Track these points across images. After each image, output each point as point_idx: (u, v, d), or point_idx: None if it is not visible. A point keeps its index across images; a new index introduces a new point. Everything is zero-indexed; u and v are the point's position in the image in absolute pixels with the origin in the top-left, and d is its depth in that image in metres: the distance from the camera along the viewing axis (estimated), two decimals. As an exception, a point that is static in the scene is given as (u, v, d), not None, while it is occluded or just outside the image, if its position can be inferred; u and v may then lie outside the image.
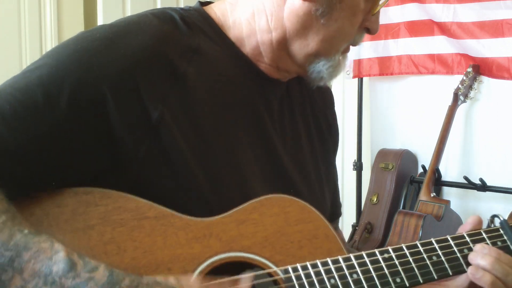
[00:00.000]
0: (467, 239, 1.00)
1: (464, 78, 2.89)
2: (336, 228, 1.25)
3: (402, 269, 0.92)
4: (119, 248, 0.83)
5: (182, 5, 3.16)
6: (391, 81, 3.32)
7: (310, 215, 0.96)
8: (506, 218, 1.04)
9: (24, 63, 2.72)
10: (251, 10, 1.01)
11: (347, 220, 3.31)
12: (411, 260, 0.94)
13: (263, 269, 0.89)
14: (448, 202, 2.82)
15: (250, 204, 0.93)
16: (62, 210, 0.84)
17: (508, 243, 1.01)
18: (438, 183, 2.94)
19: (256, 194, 0.95)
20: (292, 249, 0.92)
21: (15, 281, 0.74)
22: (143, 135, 0.88)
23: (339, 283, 0.88)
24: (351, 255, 0.92)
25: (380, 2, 1.01)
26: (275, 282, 0.88)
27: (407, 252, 0.95)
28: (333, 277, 0.88)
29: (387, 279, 0.91)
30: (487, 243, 1.00)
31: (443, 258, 0.96)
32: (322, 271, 0.88)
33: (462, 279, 0.97)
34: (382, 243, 2.92)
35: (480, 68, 2.90)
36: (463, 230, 1.03)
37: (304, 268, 0.88)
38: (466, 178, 2.85)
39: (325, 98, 1.21)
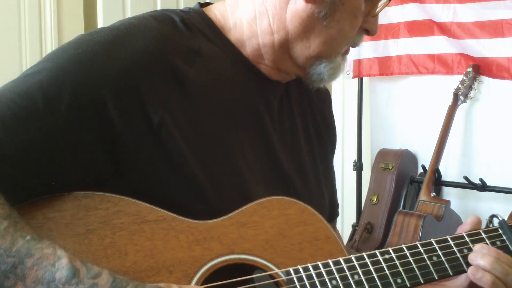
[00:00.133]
0: (467, 239, 1.00)
1: (464, 78, 2.89)
2: (334, 228, 1.25)
3: (403, 270, 0.93)
4: (120, 252, 0.83)
5: (182, 5, 3.17)
6: (391, 81, 3.31)
7: (310, 217, 0.96)
8: (506, 218, 1.05)
9: (24, 63, 2.71)
10: (252, 12, 1.01)
11: (347, 220, 3.32)
12: (411, 260, 0.94)
13: (264, 271, 0.89)
14: (448, 202, 2.82)
15: (251, 206, 0.94)
16: (62, 215, 0.83)
17: (507, 243, 1.01)
18: (438, 183, 2.94)
19: (256, 194, 0.96)
20: (293, 251, 0.92)
21: None
22: (144, 138, 0.88)
23: (340, 284, 0.88)
24: (352, 256, 0.92)
25: (380, 4, 1.01)
26: (277, 284, 0.88)
27: (407, 252, 0.95)
28: (335, 278, 0.88)
29: (388, 279, 0.91)
30: (486, 243, 1.00)
31: (443, 259, 0.96)
32: (324, 273, 0.89)
33: (462, 279, 0.98)
34: (382, 243, 2.92)
35: (480, 68, 2.90)
36: (462, 230, 1.03)
37: (306, 269, 0.88)
38: (466, 178, 2.85)
39: (323, 99, 1.21)
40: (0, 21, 2.63)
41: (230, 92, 0.99)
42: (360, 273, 0.90)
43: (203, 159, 0.92)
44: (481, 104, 2.99)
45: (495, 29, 2.83)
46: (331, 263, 0.90)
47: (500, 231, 1.03)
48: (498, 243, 1.01)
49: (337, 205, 1.26)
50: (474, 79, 2.89)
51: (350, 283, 0.89)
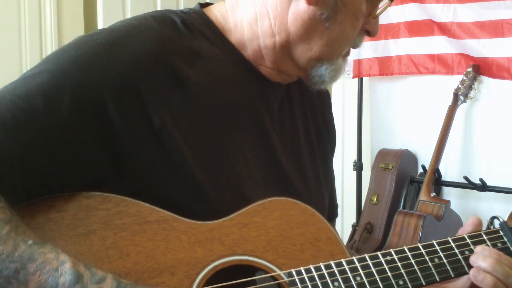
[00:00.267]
0: (468, 240, 1.00)
1: (464, 78, 2.89)
2: (333, 228, 1.25)
3: (405, 272, 0.93)
4: (121, 253, 0.83)
5: (182, 5, 3.17)
6: (391, 81, 3.31)
7: (312, 218, 0.96)
8: (505, 218, 1.04)
9: (24, 63, 2.71)
10: (253, 13, 1.01)
11: (347, 220, 3.32)
12: (413, 262, 0.94)
13: (266, 272, 0.89)
14: (448, 202, 2.82)
15: (252, 207, 0.94)
16: (63, 215, 0.83)
17: (508, 244, 1.01)
18: (438, 183, 2.94)
19: (256, 195, 0.96)
20: (295, 252, 0.92)
21: None
22: (145, 139, 0.88)
23: (342, 286, 0.88)
24: (354, 258, 0.92)
25: (380, 5, 1.01)
26: (279, 285, 0.88)
27: (409, 254, 0.95)
28: (337, 280, 0.88)
29: (390, 281, 0.91)
30: (488, 245, 1.00)
31: (444, 260, 0.96)
32: (326, 274, 0.89)
33: (463, 281, 0.98)
34: (382, 243, 2.92)
35: (480, 68, 2.90)
36: (463, 231, 1.03)
37: (308, 271, 0.88)
38: (466, 178, 2.85)
39: (323, 100, 1.21)
40: (0, 21, 2.62)
41: (230, 93, 0.99)
42: (362, 274, 0.90)
43: (203, 160, 0.92)
44: (481, 104, 2.99)
45: (495, 29, 2.83)
46: (333, 265, 0.90)
47: (501, 233, 1.03)
48: (499, 244, 1.01)
49: (337, 206, 1.27)
50: (474, 79, 2.89)
51: (352, 285, 0.89)
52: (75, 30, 2.88)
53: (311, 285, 0.87)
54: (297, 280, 0.87)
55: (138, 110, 0.87)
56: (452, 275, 0.96)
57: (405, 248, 0.96)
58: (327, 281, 0.88)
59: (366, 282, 0.89)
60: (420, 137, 3.20)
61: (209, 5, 1.07)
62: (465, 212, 2.97)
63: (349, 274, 0.89)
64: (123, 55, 0.88)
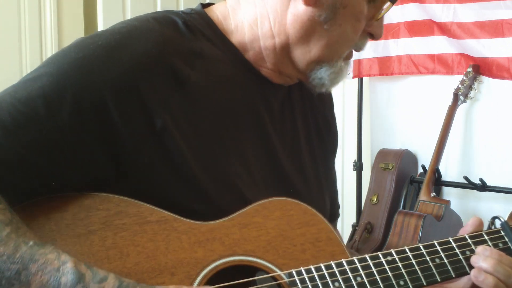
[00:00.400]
0: (469, 241, 1.00)
1: (464, 78, 2.89)
2: (334, 228, 1.25)
3: (406, 272, 0.93)
4: (121, 253, 0.83)
5: (182, 5, 3.17)
6: (391, 81, 3.31)
7: (312, 218, 0.96)
8: (506, 218, 1.04)
9: (24, 64, 2.71)
10: (253, 14, 1.00)
11: (347, 220, 3.31)
12: (414, 262, 0.94)
13: (267, 272, 0.88)
14: (448, 202, 2.82)
15: (252, 207, 0.94)
16: (63, 215, 0.83)
17: (510, 244, 1.01)
18: (438, 183, 2.94)
19: (257, 195, 0.96)
20: (295, 252, 0.92)
21: None
22: (145, 140, 0.88)
23: (343, 286, 0.88)
24: (355, 258, 0.92)
25: (384, 7, 1.00)
26: (279, 285, 0.88)
27: (410, 254, 0.95)
28: (337, 281, 0.88)
29: (391, 282, 0.91)
30: (489, 245, 1.00)
31: (445, 261, 0.96)
32: (326, 275, 0.88)
33: (464, 281, 0.98)
34: (382, 243, 2.92)
35: (480, 68, 2.90)
36: (464, 232, 1.03)
37: (308, 271, 0.88)
38: (466, 178, 2.85)
39: (325, 101, 1.21)
40: (0, 21, 2.63)
41: (230, 93, 0.99)
42: (363, 275, 0.90)
43: (203, 160, 0.92)
44: (481, 104, 2.99)
45: (495, 29, 2.83)
46: (333, 265, 0.90)
47: (502, 233, 1.02)
48: (500, 245, 1.01)
49: (338, 206, 1.26)
50: (474, 79, 2.89)
51: (352, 285, 0.88)
52: (75, 30, 2.88)
53: (312, 286, 0.87)
54: (298, 281, 0.87)
55: (139, 111, 0.87)
56: (453, 275, 0.96)
57: (406, 248, 0.95)
58: (327, 281, 0.88)
59: (366, 282, 0.89)
60: (420, 137, 3.21)
61: (210, 5, 1.06)
62: (465, 212, 2.97)
63: (350, 274, 0.89)
64: (124, 56, 0.88)
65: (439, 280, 0.94)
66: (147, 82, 0.88)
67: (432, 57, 3.08)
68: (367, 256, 0.93)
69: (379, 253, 0.94)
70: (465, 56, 2.96)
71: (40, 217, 0.83)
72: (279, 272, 0.88)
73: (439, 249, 0.97)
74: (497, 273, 0.94)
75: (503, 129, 2.91)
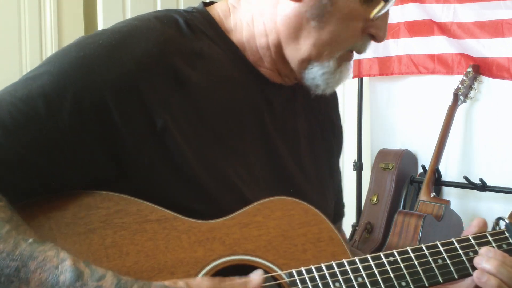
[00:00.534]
0: (473, 242, 0.99)
1: (464, 78, 2.89)
2: (339, 228, 1.24)
3: (408, 273, 0.92)
4: (121, 252, 0.83)
5: (182, 4, 3.17)
6: (391, 81, 3.31)
7: (314, 218, 0.96)
8: (506, 218, 1.04)
9: (24, 64, 2.71)
10: (250, 13, 1.00)
11: (347, 220, 3.31)
12: (416, 263, 0.93)
13: (267, 272, 0.88)
14: (448, 202, 2.81)
15: (254, 206, 0.93)
16: (63, 214, 0.83)
17: None
18: (438, 183, 2.94)
19: (258, 195, 0.95)
20: (296, 252, 0.92)
21: None
22: (146, 140, 0.87)
23: (344, 287, 0.88)
24: (356, 259, 0.91)
25: (378, 8, 0.96)
26: (280, 285, 0.88)
27: (412, 255, 0.94)
28: (338, 281, 0.88)
29: (393, 282, 0.90)
30: (493, 246, 0.99)
31: (448, 262, 0.95)
32: (327, 275, 0.88)
33: (468, 282, 0.97)
34: (382, 243, 2.92)
35: (480, 68, 2.90)
36: (468, 233, 1.02)
37: (309, 271, 0.88)
38: (466, 178, 2.85)
39: (329, 100, 1.19)
40: (0, 21, 2.62)
41: (231, 93, 0.98)
42: (364, 275, 0.89)
43: (203, 160, 0.92)
44: (481, 104, 2.99)
45: (495, 29, 2.83)
46: (334, 265, 0.89)
47: (507, 234, 1.01)
48: (505, 246, 1.00)
49: (343, 205, 1.26)
50: (474, 79, 2.89)
51: (353, 285, 0.88)
52: (75, 30, 2.88)
53: (312, 286, 0.87)
54: (298, 281, 0.87)
55: (139, 111, 0.87)
56: (456, 277, 0.95)
57: (408, 249, 0.95)
58: (328, 282, 0.87)
59: (367, 282, 0.89)
60: (420, 137, 3.20)
61: (212, 4, 1.06)
62: (465, 212, 2.97)
63: (351, 275, 0.89)
64: (124, 56, 0.87)
65: (441, 281, 0.93)
66: (147, 82, 0.88)
67: (432, 57, 3.08)
68: (368, 256, 0.92)
69: (381, 254, 0.93)
70: (465, 56, 2.96)
71: (40, 216, 0.83)
72: (279, 272, 0.88)
73: (442, 250, 0.96)
74: (500, 274, 0.93)
75: (503, 129, 2.91)
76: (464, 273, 0.96)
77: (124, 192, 0.87)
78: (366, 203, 3.16)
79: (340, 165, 1.20)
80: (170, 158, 0.89)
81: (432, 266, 0.94)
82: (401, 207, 3.05)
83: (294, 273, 0.87)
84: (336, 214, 1.20)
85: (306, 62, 0.99)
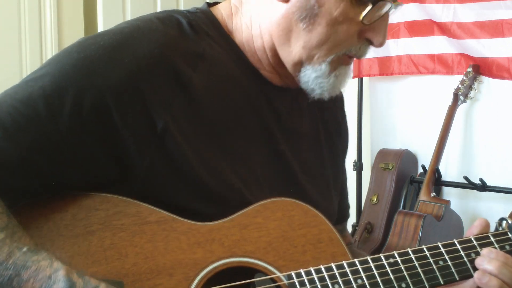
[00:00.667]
0: (475, 243, 0.98)
1: (464, 78, 2.89)
2: (344, 229, 1.24)
3: (408, 274, 0.91)
4: (120, 254, 0.83)
5: (182, 4, 3.17)
6: (391, 81, 3.31)
7: (314, 219, 0.96)
8: (508, 218, 1.03)
9: (24, 64, 2.71)
10: (249, 14, 1.00)
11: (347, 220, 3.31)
12: (417, 264, 0.93)
13: (266, 274, 0.88)
14: (448, 202, 2.81)
15: (254, 208, 0.93)
16: (62, 216, 0.83)
17: None
18: (438, 183, 2.94)
19: (260, 196, 0.95)
20: (296, 253, 0.92)
21: None
22: (147, 142, 0.87)
23: None
24: (356, 260, 0.91)
25: (365, 10, 0.92)
26: (278, 287, 0.88)
27: (413, 256, 0.94)
28: (337, 283, 0.87)
29: (393, 284, 0.90)
30: (495, 247, 0.98)
31: (449, 263, 0.95)
32: (326, 277, 0.88)
33: (470, 284, 0.96)
34: (382, 243, 2.92)
35: (480, 68, 2.89)
36: (470, 233, 1.01)
37: (308, 273, 0.88)
38: (466, 178, 2.85)
39: (335, 100, 1.17)
40: (0, 21, 2.62)
41: (232, 94, 0.98)
42: (364, 277, 0.89)
43: (205, 161, 0.91)
44: (481, 104, 2.99)
45: (495, 29, 2.82)
46: (334, 267, 0.89)
47: (510, 235, 1.01)
48: (507, 247, 0.99)
49: (348, 207, 1.26)
50: (474, 79, 2.89)
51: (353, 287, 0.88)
52: (75, 30, 2.88)
53: None
54: (297, 283, 0.87)
55: (140, 112, 0.87)
56: (457, 278, 0.94)
57: (409, 250, 0.94)
58: (327, 284, 0.87)
59: (367, 284, 0.88)
60: (420, 137, 3.20)
61: (216, 4, 1.06)
62: (465, 212, 2.97)
63: (350, 277, 0.88)
64: (125, 57, 0.87)
65: (442, 283, 0.93)
66: (148, 83, 0.87)
67: (432, 57, 3.08)
68: (368, 258, 0.91)
69: (381, 255, 0.93)
70: (465, 56, 2.95)
71: (39, 218, 0.83)
72: (278, 274, 0.88)
73: (443, 251, 0.96)
74: (502, 275, 0.92)
75: (503, 129, 2.90)
76: (466, 275, 0.95)
77: (125, 192, 0.87)
78: (366, 203, 3.15)
79: (342, 165, 1.21)
80: (171, 159, 0.89)
81: (433, 268, 0.93)
82: (401, 207, 3.04)
83: (293, 275, 0.87)
84: (340, 215, 1.19)
85: (299, 65, 0.97)
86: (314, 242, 0.93)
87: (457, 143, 3.05)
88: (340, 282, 0.88)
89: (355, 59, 1.01)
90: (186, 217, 0.88)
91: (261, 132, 1.01)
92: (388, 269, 0.91)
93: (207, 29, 0.99)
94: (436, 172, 2.88)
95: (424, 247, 0.95)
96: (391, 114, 3.35)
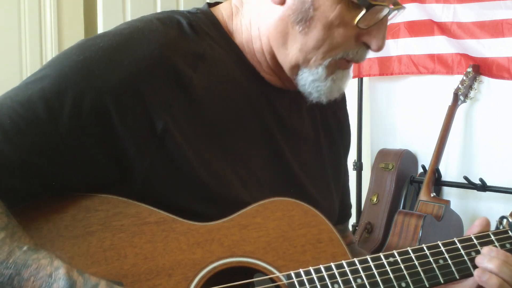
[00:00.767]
0: (475, 241, 0.98)
1: (464, 78, 2.89)
2: (345, 229, 1.24)
3: (408, 273, 0.91)
4: (119, 254, 0.83)
5: (182, 4, 3.17)
6: (391, 81, 3.31)
7: (314, 219, 0.95)
8: (509, 216, 1.02)
9: (24, 64, 2.71)
10: (249, 16, 1.00)
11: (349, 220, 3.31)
12: (417, 264, 0.93)
13: (265, 274, 0.88)
14: (448, 202, 2.81)
15: (253, 207, 0.93)
16: (62, 216, 0.83)
17: None
18: (438, 183, 2.94)
19: (260, 196, 0.95)
20: (295, 254, 0.91)
21: None
22: (147, 143, 0.87)
23: None
24: (356, 260, 0.91)
25: (360, 15, 0.91)
26: (278, 287, 0.88)
27: (413, 255, 0.93)
28: (337, 282, 0.87)
29: (392, 283, 0.90)
30: (496, 246, 0.98)
31: (450, 262, 0.95)
32: (326, 276, 0.88)
33: (470, 283, 0.96)
34: (382, 243, 2.92)
35: (480, 68, 2.89)
36: (471, 232, 1.01)
37: (307, 273, 0.88)
38: (466, 178, 2.85)
39: (337, 100, 1.13)
40: (0, 21, 2.62)
41: (232, 94, 0.98)
42: (363, 277, 0.89)
43: (205, 161, 0.91)
44: (481, 104, 2.99)
45: (495, 29, 2.82)
46: (333, 267, 0.89)
47: (510, 233, 1.01)
48: (508, 245, 0.99)
49: (349, 206, 1.25)
50: (474, 79, 2.89)
51: (352, 287, 0.88)
52: (75, 31, 2.88)
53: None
54: (296, 283, 0.87)
55: (140, 114, 0.86)
56: (457, 277, 0.94)
57: (409, 249, 0.94)
58: (326, 283, 0.87)
59: (367, 284, 0.88)
60: (420, 137, 3.20)
61: (217, 4, 1.05)
62: (465, 212, 2.97)
63: (350, 276, 0.88)
64: (125, 59, 0.87)
65: (442, 281, 0.93)
66: (148, 84, 0.87)
67: (432, 57, 3.08)
68: (368, 257, 0.91)
69: (381, 254, 0.92)
70: (465, 56, 2.95)
71: (39, 218, 0.83)
72: (277, 274, 0.88)
73: (444, 250, 0.95)
74: (502, 274, 0.92)
75: (503, 129, 2.90)
76: (466, 273, 0.95)
77: (125, 193, 0.87)
78: (366, 203, 3.16)
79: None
80: (171, 159, 0.89)
81: (433, 267, 0.93)
82: (401, 207, 3.05)
83: (293, 275, 0.87)
84: (342, 214, 1.19)
85: (296, 68, 0.97)
86: (314, 242, 0.93)
87: (457, 143, 3.05)
88: (340, 282, 0.87)
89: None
90: (186, 217, 0.88)
91: (261, 133, 1.00)
92: (387, 268, 0.91)
93: (208, 30, 0.98)
94: (436, 172, 2.88)
95: (424, 246, 0.95)
96: (391, 114, 3.35)
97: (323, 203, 1.06)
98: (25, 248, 0.76)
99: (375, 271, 0.90)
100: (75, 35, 2.83)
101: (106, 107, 0.84)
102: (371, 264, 0.91)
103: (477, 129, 3.02)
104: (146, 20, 0.95)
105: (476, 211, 3.00)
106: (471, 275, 0.95)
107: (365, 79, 3.34)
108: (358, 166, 3.27)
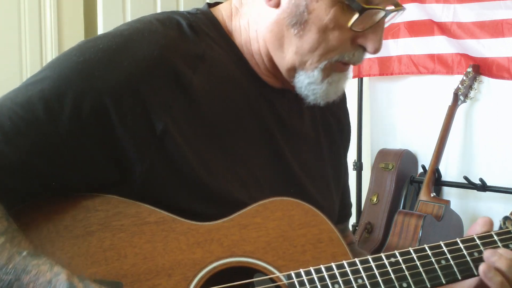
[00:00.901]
0: (478, 242, 0.96)
1: (464, 78, 2.89)
2: (345, 229, 1.23)
3: (409, 274, 0.90)
4: (119, 254, 0.83)
5: (182, 4, 3.17)
6: (391, 81, 3.31)
7: (314, 219, 0.95)
8: (512, 216, 1.02)
9: (24, 64, 2.71)
10: (247, 17, 1.00)
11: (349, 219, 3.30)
12: (418, 264, 0.92)
13: (265, 274, 0.88)
14: (448, 202, 2.81)
15: (253, 207, 0.93)
16: (62, 216, 0.83)
17: None
18: (438, 183, 2.94)
19: (260, 196, 0.95)
20: (296, 253, 0.91)
21: None
22: (147, 144, 0.87)
23: None
24: (357, 260, 0.90)
25: (353, 18, 0.90)
26: (278, 287, 0.88)
27: (414, 256, 0.93)
28: (337, 283, 0.87)
29: (393, 284, 0.89)
30: (498, 246, 0.96)
31: (452, 262, 0.93)
32: (326, 276, 0.87)
33: (470, 282, 0.95)
34: (382, 243, 2.92)
35: (480, 68, 2.89)
36: (473, 232, 1.00)
37: (308, 273, 0.87)
38: (466, 178, 2.85)
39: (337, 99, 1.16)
40: (0, 21, 2.62)
41: (232, 95, 0.97)
42: (364, 277, 0.88)
43: (205, 162, 0.91)
44: (481, 104, 2.99)
45: (495, 29, 2.82)
46: (334, 267, 0.88)
47: None
48: (511, 246, 0.98)
49: (349, 205, 1.25)
50: (474, 79, 2.89)
51: (353, 287, 0.88)
52: (75, 31, 2.88)
53: None
54: (296, 283, 0.86)
55: (139, 115, 0.86)
56: (459, 278, 0.93)
57: (411, 249, 0.93)
58: (327, 284, 0.86)
59: (368, 284, 0.88)
60: (420, 137, 3.20)
61: (217, 4, 1.05)
62: (465, 212, 2.97)
63: (351, 276, 0.88)
64: (125, 60, 0.87)
65: (444, 282, 0.92)
66: (148, 85, 0.87)
67: (432, 57, 3.08)
68: (369, 257, 0.91)
69: (382, 254, 0.92)
70: (465, 56, 2.95)
71: (39, 219, 0.83)
72: (277, 274, 0.88)
73: (446, 250, 0.94)
74: (509, 273, 0.91)
75: (503, 129, 2.90)
76: (468, 274, 0.93)
77: (125, 193, 0.87)
78: (366, 203, 3.16)
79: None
80: (171, 160, 0.88)
81: (435, 267, 0.92)
82: (401, 207, 3.05)
83: (293, 275, 0.87)
84: (342, 214, 1.19)
85: (293, 70, 0.97)
86: (314, 242, 0.93)
87: (457, 143, 3.05)
88: (340, 282, 0.87)
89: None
90: (186, 217, 0.88)
91: (261, 134, 1.00)
92: (389, 268, 0.90)
93: (208, 30, 0.98)
94: (436, 172, 2.88)
95: (426, 246, 0.94)
96: (391, 114, 3.35)
97: (323, 203, 1.06)
98: (24, 253, 0.76)
99: (376, 271, 0.89)
100: (75, 35, 2.83)
101: (106, 108, 0.84)
102: (372, 264, 0.90)
103: (477, 129, 3.02)
104: (145, 21, 0.95)
105: (476, 211, 3.00)
106: (473, 275, 0.94)
107: (365, 79, 3.34)
108: (358, 166, 3.26)
